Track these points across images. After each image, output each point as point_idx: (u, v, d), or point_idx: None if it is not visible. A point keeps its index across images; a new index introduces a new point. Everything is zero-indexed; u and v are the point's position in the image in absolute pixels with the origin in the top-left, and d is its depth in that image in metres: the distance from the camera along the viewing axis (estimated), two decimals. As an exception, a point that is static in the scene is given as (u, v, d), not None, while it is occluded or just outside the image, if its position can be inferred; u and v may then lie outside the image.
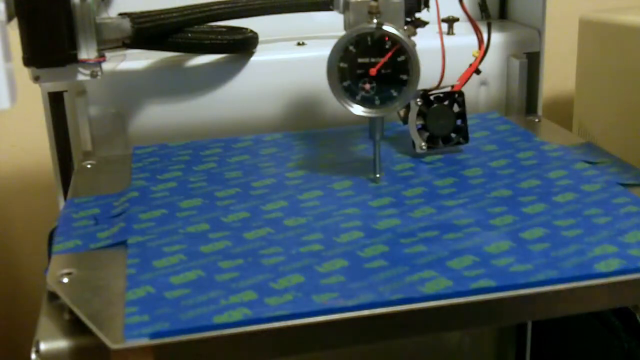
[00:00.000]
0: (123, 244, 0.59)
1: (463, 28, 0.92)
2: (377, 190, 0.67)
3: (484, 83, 0.91)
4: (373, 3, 0.64)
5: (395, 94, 0.66)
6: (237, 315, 0.49)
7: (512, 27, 0.93)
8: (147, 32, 0.73)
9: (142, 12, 0.74)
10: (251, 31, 0.83)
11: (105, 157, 0.80)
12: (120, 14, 0.73)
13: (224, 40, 0.80)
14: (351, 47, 0.65)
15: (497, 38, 0.90)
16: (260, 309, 0.50)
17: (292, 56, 0.86)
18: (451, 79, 0.83)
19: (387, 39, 0.65)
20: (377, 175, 0.69)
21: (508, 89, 0.92)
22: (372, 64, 0.65)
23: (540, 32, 0.90)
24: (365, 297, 0.51)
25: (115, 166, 0.76)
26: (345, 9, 0.68)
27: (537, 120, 0.88)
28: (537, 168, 0.71)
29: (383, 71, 0.65)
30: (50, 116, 0.82)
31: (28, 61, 0.66)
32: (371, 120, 0.68)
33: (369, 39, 0.65)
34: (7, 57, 0.62)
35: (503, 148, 0.76)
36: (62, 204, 0.83)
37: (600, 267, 0.54)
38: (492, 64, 0.90)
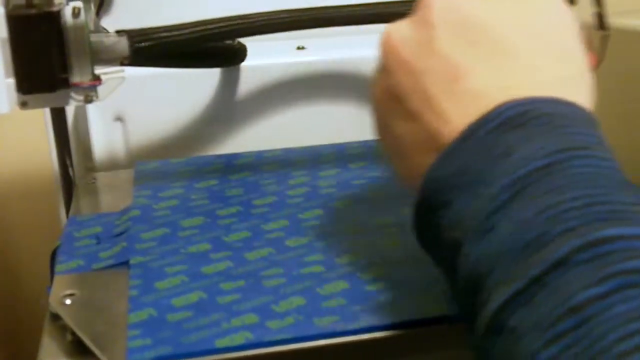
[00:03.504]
0: (125, 264, 0.59)
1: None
2: (378, 209, 0.68)
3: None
4: None
5: None
6: (238, 339, 0.49)
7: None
8: (148, 51, 0.69)
9: (141, 29, 0.71)
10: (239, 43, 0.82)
11: (107, 173, 0.80)
12: (118, 32, 0.69)
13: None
14: None
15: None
16: (261, 332, 0.50)
17: (291, 60, 0.86)
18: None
19: None
20: None
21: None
22: None
23: None
24: (366, 321, 0.51)
25: (117, 182, 0.77)
26: None
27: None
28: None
29: None
30: (51, 119, 0.82)
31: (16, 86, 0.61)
32: None
33: None
34: (8, 74, 0.61)
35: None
36: (62, 208, 0.84)
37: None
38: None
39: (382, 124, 0.50)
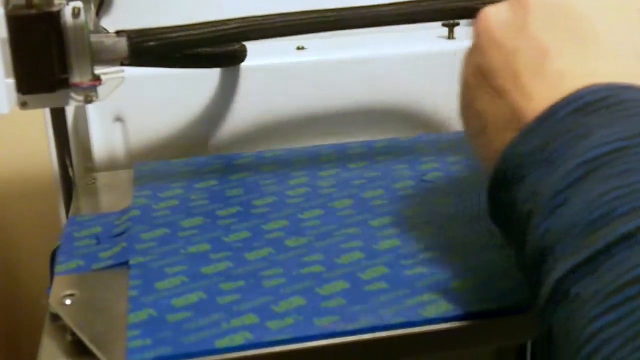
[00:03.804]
0: (125, 264, 0.59)
1: (464, 33, 0.92)
2: (377, 210, 0.68)
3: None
4: None
5: None
6: (238, 339, 0.49)
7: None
8: (148, 51, 0.68)
9: (142, 30, 0.69)
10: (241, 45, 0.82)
11: (107, 173, 0.80)
12: (118, 32, 0.67)
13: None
14: None
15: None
16: (261, 333, 0.50)
17: (291, 61, 0.86)
18: (449, 85, 0.82)
19: None
20: None
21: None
22: None
23: None
24: (366, 321, 0.51)
25: (117, 183, 0.77)
26: None
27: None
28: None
29: None
30: (51, 120, 0.82)
31: (16, 87, 0.61)
32: None
33: None
34: (8, 74, 0.61)
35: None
36: (62, 208, 0.84)
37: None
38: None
39: (468, 100, 0.52)
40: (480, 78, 0.50)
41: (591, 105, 0.42)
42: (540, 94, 0.45)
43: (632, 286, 0.35)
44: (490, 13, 0.50)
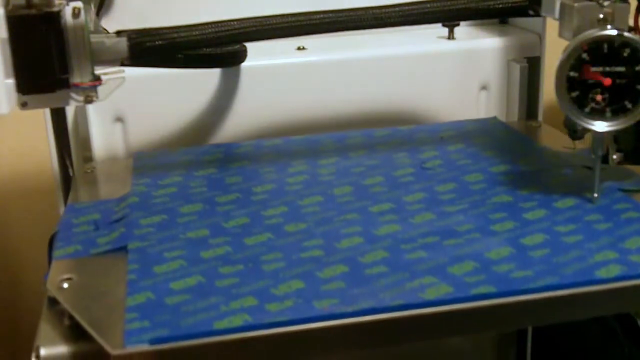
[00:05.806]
0: (123, 249, 0.59)
1: (464, 33, 0.92)
2: (377, 196, 0.67)
3: (484, 88, 0.91)
4: (607, 10, 0.61)
5: (629, 106, 0.62)
6: (237, 321, 0.49)
7: (513, 31, 0.94)
8: (148, 51, 0.67)
9: (142, 30, 0.68)
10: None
11: (105, 161, 0.80)
12: (118, 32, 0.67)
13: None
14: (584, 55, 0.61)
15: (498, 43, 0.90)
16: (260, 315, 0.50)
17: (291, 60, 0.86)
18: (449, 85, 0.82)
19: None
20: (595, 195, 0.65)
21: (509, 93, 0.92)
22: (607, 73, 0.61)
23: (541, 37, 0.90)
24: (366, 304, 0.51)
25: (115, 171, 0.76)
26: (565, 13, 0.64)
27: (537, 125, 0.89)
28: (537, 174, 0.71)
29: (618, 81, 0.61)
30: (51, 119, 0.82)
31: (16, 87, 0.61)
32: (596, 133, 0.64)
33: (605, 46, 0.61)
34: (8, 74, 0.61)
35: (503, 153, 0.76)
36: (62, 207, 0.84)
37: (601, 273, 0.54)
38: (492, 68, 0.91)
39: None
40: None
41: None
42: None
43: None
44: None
